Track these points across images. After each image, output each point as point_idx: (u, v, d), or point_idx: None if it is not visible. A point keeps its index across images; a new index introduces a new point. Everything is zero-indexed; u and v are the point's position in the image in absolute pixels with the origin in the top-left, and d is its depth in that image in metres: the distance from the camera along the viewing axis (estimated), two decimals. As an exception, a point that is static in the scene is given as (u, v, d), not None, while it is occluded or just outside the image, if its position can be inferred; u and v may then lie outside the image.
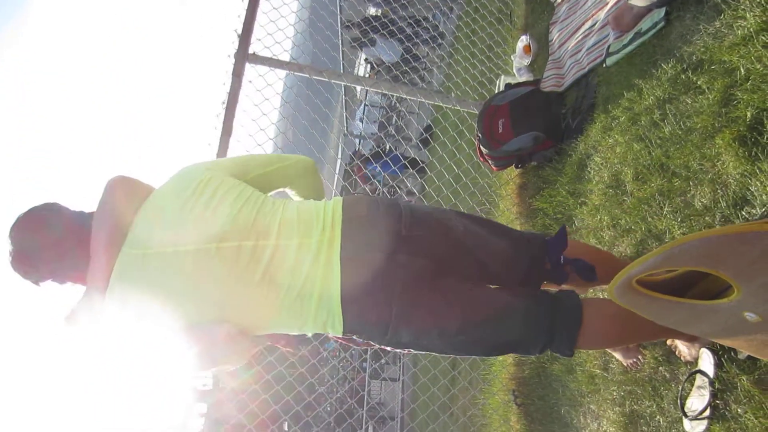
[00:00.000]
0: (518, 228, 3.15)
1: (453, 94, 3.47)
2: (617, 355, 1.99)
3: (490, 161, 3.07)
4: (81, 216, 1.39)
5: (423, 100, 3.26)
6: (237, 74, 3.20)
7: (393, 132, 4.95)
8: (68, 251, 1.33)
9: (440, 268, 1.32)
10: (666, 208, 1.92)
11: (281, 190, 1.54)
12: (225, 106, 3.12)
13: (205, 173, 1.36)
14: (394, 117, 7.08)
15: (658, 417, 1.82)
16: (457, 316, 1.30)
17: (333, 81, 3.33)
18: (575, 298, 1.41)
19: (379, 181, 6.84)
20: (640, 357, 1.92)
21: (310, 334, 1.42)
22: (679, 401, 1.69)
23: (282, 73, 3.42)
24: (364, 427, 6.95)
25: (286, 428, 6.38)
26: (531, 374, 2.74)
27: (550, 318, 1.36)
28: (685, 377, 1.68)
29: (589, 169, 2.53)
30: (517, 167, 3.07)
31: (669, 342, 1.77)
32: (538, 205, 2.87)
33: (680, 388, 1.69)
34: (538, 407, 2.63)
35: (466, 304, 1.32)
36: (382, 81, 3.48)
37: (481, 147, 3.06)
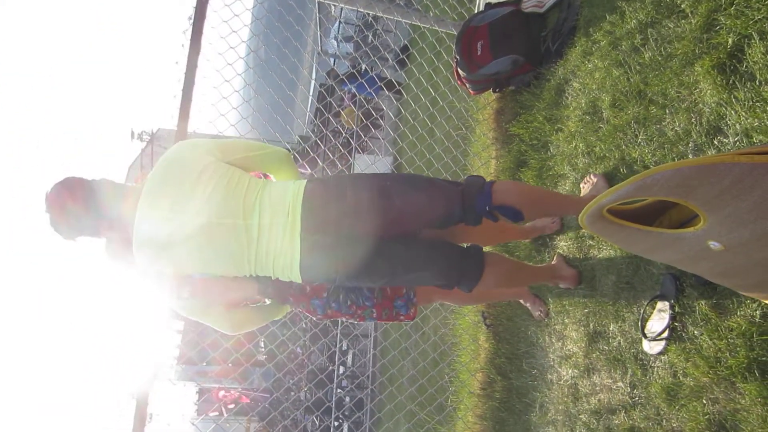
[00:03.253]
0: (494, 154, 3.16)
1: (431, 13, 3.33)
2: (528, 306, 2.45)
3: (467, 84, 3.01)
4: (104, 186, 1.74)
5: (400, 19, 3.14)
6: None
7: (368, 51, 4.76)
8: (95, 213, 1.69)
9: (378, 231, 1.69)
10: (641, 136, 1.92)
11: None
12: (192, 21, 2.96)
13: (198, 159, 1.70)
14: (370, 36, 6.84)
15: (618, 338, 1.90)
16: (387, 272, 1.75)
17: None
18: (479, 250, 1.88)
19: (354, 103, 6.68)
20: (543, 309, 2.39)
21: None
22: (639, 323, 1.76)
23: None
24: (338, 345, 7.18)
25: (261, 345, 6.57)
26: (500, 297, 2.82)
27: (460, 265, 1.82)
28: (647, 302, 1.75)
29: (566, 94, 2.50)
30: (494, 91, 3.02)
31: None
32: (515, 131, 2.85)
33: (642, 311, 1.76)
34: (506, 328, 2.72)
35: (399, 264, 1.75)
36: (358, -3, 3.32)
37: (458, 69, 2.99)
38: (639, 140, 1.92)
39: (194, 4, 2.94)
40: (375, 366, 5.99)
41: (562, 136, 2.46)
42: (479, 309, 2.97)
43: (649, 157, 1.86)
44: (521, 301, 2.49)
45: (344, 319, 2.13)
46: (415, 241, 1.81)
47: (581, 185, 2.19)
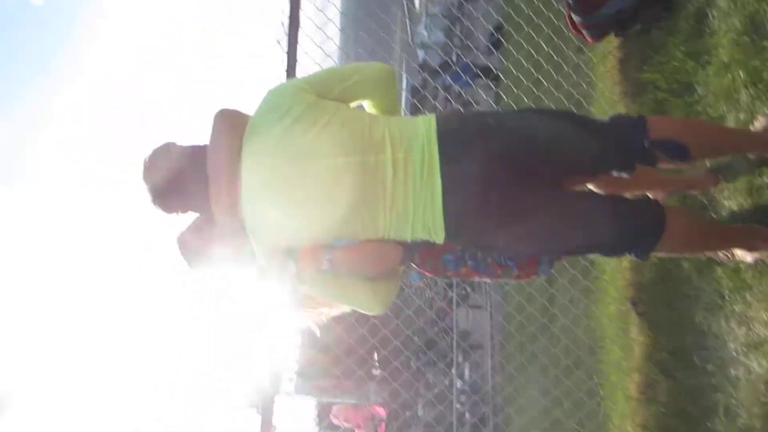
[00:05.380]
0: (623, 110, 2.70)
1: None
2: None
3: (584, 31, 2.66)
4: (195, 149, 1.51)
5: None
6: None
7: (460, 35, 4.41)
8: (191, 181, 1.46)
9: (529, 173, 1.42)
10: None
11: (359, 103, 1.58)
12: (287, 28, 2.83)
13: (300, 100, 1.42)
14: (460, 21, 6.42)
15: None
16: (549, 224, 1.44)
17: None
18: (659, 206, 1.53)
19: (450, 95, 6.28)
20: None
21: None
22: None
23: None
24: (451, 355, 6.66)
25: (375, 356, 6.33)
26: (653, 279, 2.36)
27: (633, 225, 1.46)
28: None
29: (711, 19, 2.06)
30: (617, 35, 2.65)
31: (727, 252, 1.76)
32: (647, 77, 2.41)
33: None
34: (665, 316, 2.27)
35: (558, 213, 1.44)
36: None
37: (572, 15, 2.63)
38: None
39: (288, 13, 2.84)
40: (493, 380, 5.49)
41: (712, 70, 2.01)
42: (627, 296, 2.51)
43: None
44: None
45: (477, 279, 1.80)
46: (573, 193, 1.55)
47: (752, 125, 1.73)
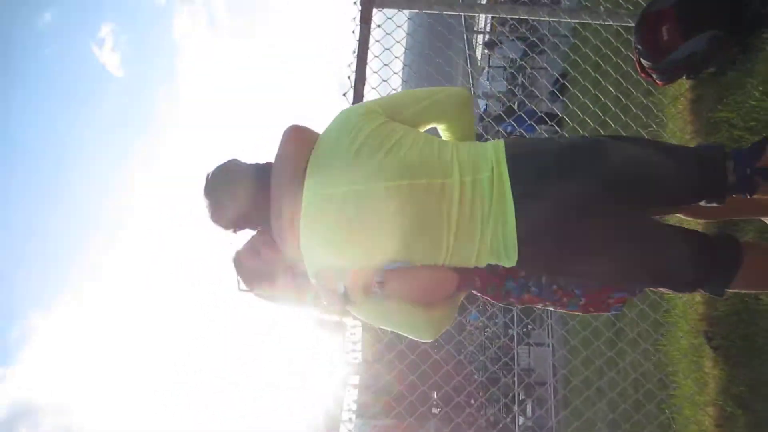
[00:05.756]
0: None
1: (601, 8, 3.05)
2: None
3: (654, 75, 2.67)
4: (258, 167, 1.49)
5: (566, 20, 2.90)
6: (365, 20, 3.06)
7: (523, 82, 4.50)
8: (253, 199, 1.44)
9: (604, 199, 1.33)
10: None
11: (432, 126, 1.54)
12: (356, 54, 2.99)
13: (370, 121, 1.39)
14: (521, 74, 6.58)
15: None
16: (623, 254, 1.36)
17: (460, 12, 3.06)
18: (735, 241, 1.43)
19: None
20: None
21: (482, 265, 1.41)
22: None
23: (402, 19, 3.21)
24: (512, 393, 6.63)
25: (435, 395, 6.31)
26: (727, 311, 2.35)
27: (709, 260, 1.38)
28: None
29: None
30: (689, 77, 2.66)
31: None
32: (722, 116, 2.45)
33: None
34: (741, 348, 2.25)
35: (632, 242, 1.36)
36: (502, 5, 3.15)
37: (641, 61, 2.67)
38: None
39: (354, 71, 2.94)
40: (558, 416, 5.41)
41: None
42: (700, 329, 2.50)
43: None
44: None
45: (540, 306, 1.64)
46: (651, 221, 1.44)
47: None
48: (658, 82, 2.73)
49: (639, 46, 2.65)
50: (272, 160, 1.47)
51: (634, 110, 3.00)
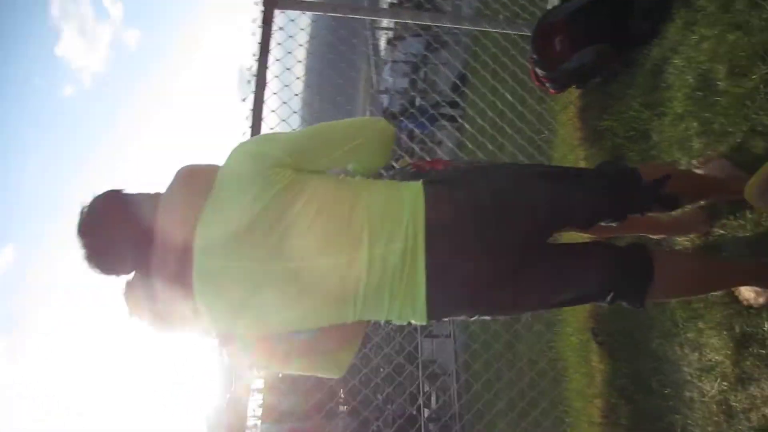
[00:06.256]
0: (582, 155, 2.90)
1: (501, 17, 3.17)
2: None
3: (547, 84, 2.81)
4: (144, 201, 1.30)
5: (469, 28, 2.99)
6: (267, 22, 2.97)
7: (423, 82, 4.60)
8: (134, 241, 1.26)
9: (520, 242, 1.31)
10: (777, 97, 1.64)
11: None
12: (257, 58, 2.90)
13: (273, 182, 1.22)
14: (421, 74, 6.66)
15: (781, 336, 1.58)
16: (535, 302, 1.43)
17: (362, 16, 3.07)
18: (645, 252, 1.44)
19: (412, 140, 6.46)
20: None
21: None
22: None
23: (305, 22, 3.16)
24: (416, 383, 6.75)
25: (341, 393, 6.30)
26: (611, 309, 2.48)
27: (621, 274, 1.40)
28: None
29: (666, 75, 2.26)
30: (578, 87, 2.81)
31: (734, 290, 1.73)
32: (606, 125, 2.61)
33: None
34: (623, 344, 2.41)
35: (544, 290, 1.38)
36: (406, 10, 3.20)
37: (536, 70, 2.80)
38: (776, 101, 1.65)
39: (254, 74, 2.85)
40: (461, 401, 5.58)
41: (667, 120, 2.20)
42: (587, 326, 2.66)
43: (794, 117, 1.58)
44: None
45: None
46: (558, 251, 1.44)
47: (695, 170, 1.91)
48: (551, 90, 2.87)
49: (534, 56, 2.78)
50: (160, 197, 1.30)
51: (529, 116, 3.13)
